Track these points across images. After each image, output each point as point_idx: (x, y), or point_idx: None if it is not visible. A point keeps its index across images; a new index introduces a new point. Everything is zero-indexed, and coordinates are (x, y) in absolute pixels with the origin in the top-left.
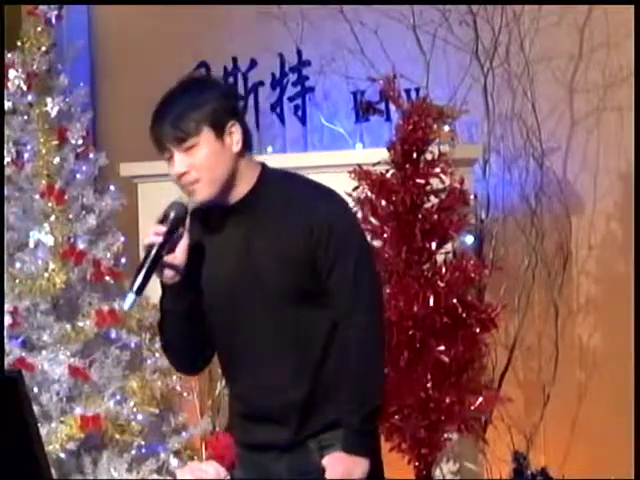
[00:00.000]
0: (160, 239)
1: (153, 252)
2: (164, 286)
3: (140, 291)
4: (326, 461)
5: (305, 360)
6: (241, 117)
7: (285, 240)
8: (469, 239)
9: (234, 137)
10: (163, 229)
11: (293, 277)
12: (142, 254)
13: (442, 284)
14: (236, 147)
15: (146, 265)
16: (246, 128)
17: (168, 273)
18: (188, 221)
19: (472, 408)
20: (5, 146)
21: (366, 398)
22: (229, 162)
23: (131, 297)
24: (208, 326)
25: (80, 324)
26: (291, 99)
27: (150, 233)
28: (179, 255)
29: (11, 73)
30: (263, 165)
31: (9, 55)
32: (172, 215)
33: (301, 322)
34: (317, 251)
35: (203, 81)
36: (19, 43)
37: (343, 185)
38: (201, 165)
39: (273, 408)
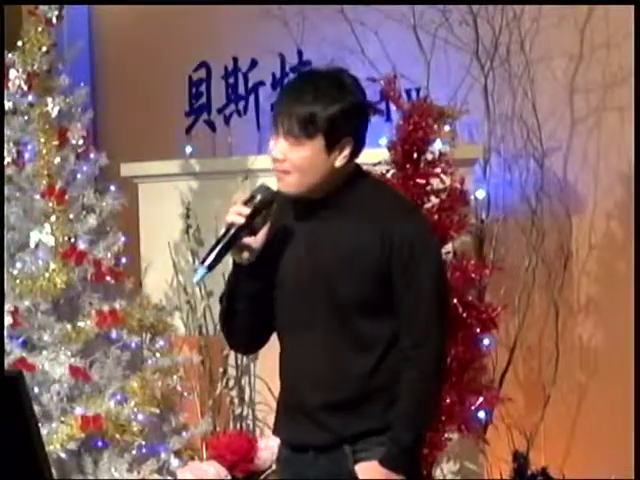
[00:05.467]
0: (242, 220)
1: (232, 232)
2: (235, 264)
3: (211, 267)
4: (360, 467)
5: (357, 365)
6: (361, 134)
7: (359, 249)
8: (469, 239)
9: (343, 152)
10: (247, 211)
11: (360, 287)
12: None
13: None
14: (339, 162)
15: (222, 243)
16: (360, 145)
17: (245, 254)
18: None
19: (472, 408)
20: (5, 146)
21: (417, 425)
22: (326, 172)
23: (202, 271)
24: (275, 310)
25: (81, 324)
26: None
27: (232, 212)
28: (260, 239)
29: (12, 73)
30: (357, 166)
31: (9, 55)
32: (258, 198)
33: (360, 329)
34: (393, 268)
35: (345, 85)
36: (20, 43)
37: None
38: (297, 164)
39: (316, 406)
